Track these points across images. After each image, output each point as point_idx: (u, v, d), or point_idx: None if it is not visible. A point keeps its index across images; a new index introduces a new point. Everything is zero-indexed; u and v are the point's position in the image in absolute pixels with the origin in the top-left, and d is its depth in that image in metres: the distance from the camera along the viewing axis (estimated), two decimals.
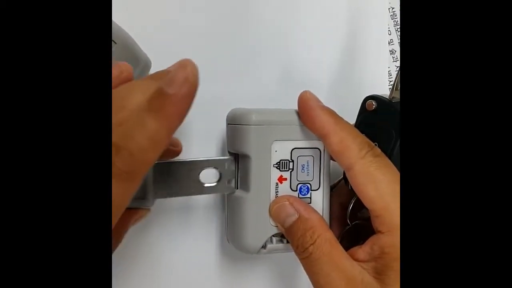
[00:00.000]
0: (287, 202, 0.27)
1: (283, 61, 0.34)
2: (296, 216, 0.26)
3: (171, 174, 0.27)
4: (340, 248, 0.25)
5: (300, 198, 0.28)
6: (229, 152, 0.29)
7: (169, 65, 0.20)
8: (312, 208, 0.27)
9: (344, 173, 0.27)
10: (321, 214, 0.29)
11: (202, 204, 0.32)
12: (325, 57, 0.35)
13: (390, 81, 0.37)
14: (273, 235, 0.28)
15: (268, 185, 0.28)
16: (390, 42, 0.36)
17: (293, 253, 0.27)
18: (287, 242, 0.27)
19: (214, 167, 0.28)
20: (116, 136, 0.18)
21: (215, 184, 0.28)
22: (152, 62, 0.29)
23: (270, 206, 0.28)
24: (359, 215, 0.29)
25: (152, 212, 0.28)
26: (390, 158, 0.26)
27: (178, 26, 0.31)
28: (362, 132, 0.27)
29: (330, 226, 0.29)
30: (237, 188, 0.28)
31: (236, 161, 0.28)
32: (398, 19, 0.36)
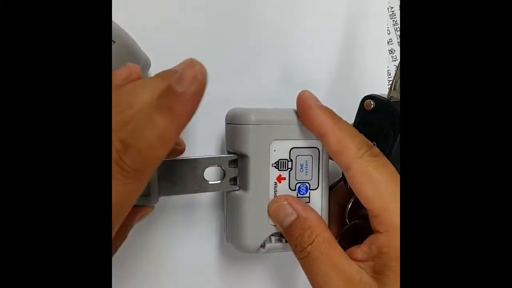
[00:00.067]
0: (286, 202, 0.27)
1: (283, 61, 0.34)
2: (295, 215, 0.26)
3: (176, 172, 0.27)
4: (339, 247, 0.25)
5: (299, 197, 0.28)
6: (228, 151, 0.29)
7: (169, 65, 0.20)
8: (311, 208, 0.27)
9: (343, 173, 0.27)
10: (319, 213, 0.29)
11: (205, 202, 0.32)
12: (325, 57, 0.35)
13: (389, 81, 0.37)
14: (272, 235, 0.28)
15: (267, 184, 0.28)
16: (389, 41, 0.37)
17: (292, 252, 0.27)
18: (286, 241, 0.27)
19: (218, 165, 0.28)
20: (124, 133, 0.18)
21: (219, 182, 0.28)
22: (152, 62, 0.29)
23: (268, 205, 0.28)
24: (359, 213, 0.29)
25: (155, 210, 0.28)
26: (388, 157, 0.26)
27: (178, 26, 0.31)
28: (360, 131, 0.27)
29: (329, 226, 0.29)
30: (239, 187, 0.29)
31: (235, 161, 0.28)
32: (397, 19, 0.36)
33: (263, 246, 0.28)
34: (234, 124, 0.28)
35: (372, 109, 0.28)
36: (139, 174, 0.18)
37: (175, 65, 0.20)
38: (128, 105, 0.19)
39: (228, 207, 0.29)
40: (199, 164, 0.27)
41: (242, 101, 0.30)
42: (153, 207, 0.27)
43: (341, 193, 0.30)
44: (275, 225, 0.28)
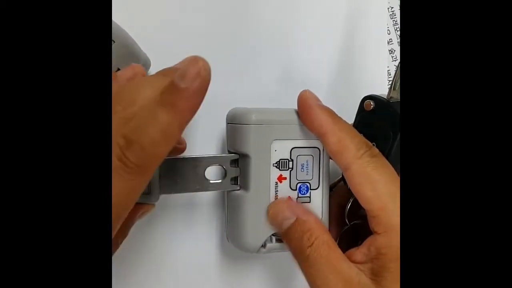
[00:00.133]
0: (285, 205, 0.27)
1: (283, 61, 0.34)
2: (294, 218, 0.26)
3: (177, 171, 0.27)
4: (338, 250, 0.25)
5: (300, 197, 0.28)
6: (228, 151, 0.29)
7: (169, 65, 0.20)
8: (309, 211, 0.27)
9: (342, 173, 0.27)
10: (320, 213, 0.29)
11: (206, 201, 0.32)
12: (325, 57, 0.35)
13: (389, 81, 0.37)
14: (272, 234, 0.28)
15: (268, 184, 0.28)
16: (389, 41, 0.37)
17: None
18: None
19: (219, 164, 0.28)
20: (127, 129, 0.18)
21: (220, 181, 0.28)
22: (152, 62, 0.29)
23: (268, 209, 0.28)
24: (358, 214, 0.29)
25: (155, 208, 0.28)
26: (387, 158, 0.26)
27: (178, 26, 0.31)
28: (360, 132, 0.27)
29: (329, 226, 0.29)
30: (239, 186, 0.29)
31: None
32: (397, 19, 0.36)
33: (263, 245, 0.28)
34: (235, 124, 0.28)
35: (372, 109, 0.28)
36: (142, 170, 0.18)
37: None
38: (131, 102, 0.18)
39: (228, 207, 0.29)
40: (200, 163, 0.27)
41: (242, 101, 0.30)
42: (154, 205, 0.27)
43: (341, 193, 0.30)
44: None
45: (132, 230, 0.26)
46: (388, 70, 0.37)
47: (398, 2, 0.36)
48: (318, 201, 0.29)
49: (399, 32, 0.36)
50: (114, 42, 0.25)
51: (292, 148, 0.28)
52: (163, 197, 0.27)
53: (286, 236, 0.27)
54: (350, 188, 0.26)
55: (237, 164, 0.28)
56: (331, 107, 0.27)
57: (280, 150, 0.28)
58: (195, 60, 0.19)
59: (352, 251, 0.26)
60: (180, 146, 0.28)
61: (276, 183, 0.28)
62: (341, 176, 0.30)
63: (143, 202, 0.26)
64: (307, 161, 0.28)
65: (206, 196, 0.32)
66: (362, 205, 0.25)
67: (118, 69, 0.26)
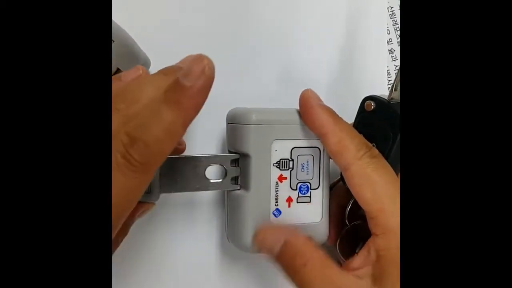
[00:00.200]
0: (272, 230, 0.26)
1: (283, 61, 0.34)
2: (282, 241, 0.25)
3: (177, 170, 0.27)
4: (332, 264, 0.25)
5: (300, 197, 0.28)
6: (229, 151, 0.29)
7: (168, 65, 0.20)
8: (296, 231, 0.26)
9: (341, 174, 0.27)
10: (320, 213, 0.29)
11: (206, 201, 0.32)
12: (325, 57, 0.35)
13: (389, 80, 0.37)
14: None
15: (268, 184, 0.28)
16: (389, 41, 0.37)
17: None
18: None
19: (220, 164, 0.28)
20: (131, 127, 0.18)
21: (220, 180, 0.28)
22: (152, 62, 0.29)
23: (254, 235, 0.27)
24: (358, 214, 0.29)
25: (156, 207, 0.28)
26: (387, 159, 0.26)
27: (178, 26, 0.31)
28: (360, 132, 0.27)
29: (329, 226, 0.29)
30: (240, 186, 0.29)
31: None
32: (397, 19, 0.37)
33: None
34: (235, 124, 0.28)
35: (372, 110, 0.28)
36: (146, 168, 0.18)
37: None
38: (134, 100, 0.19)
39: (229, 206, 0.29)
40: (201, 162, 0.27)
41: (242, 101, 0.30)
42: (154, 203, 0.27)
43: (340, 193, 0.30)
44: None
45: (132, 229, 0.27)
46: (388, 70, 0.37)
47: (398, 2, 0.36)
48: (318, 201, 0.29)
49: (399, 32, 0.36)
50: (114, 41, 0.25)
51: (293, 148, 0.28)
52: (163, 196, 0.27)
53: (279, 260, 0.26)
54: (350, 189, 0.26)
55: (237, 163, 0.28)
56: (331, 107, 0.27)
57: (281, 150, 0.28)
58: (199, 58, 0.19)
59: (352, 259, 0.25)
60: (179, 147, 0.28)
61: (277, 183, 0.28)
62: (340, 177, 0.30)
63: (144, 201, 0.26)
64: (307, 161, 0.28)
65: (206, 196, 0.32)
66: (361, 206, 0.25)
67: (118, 69, 0.26)
